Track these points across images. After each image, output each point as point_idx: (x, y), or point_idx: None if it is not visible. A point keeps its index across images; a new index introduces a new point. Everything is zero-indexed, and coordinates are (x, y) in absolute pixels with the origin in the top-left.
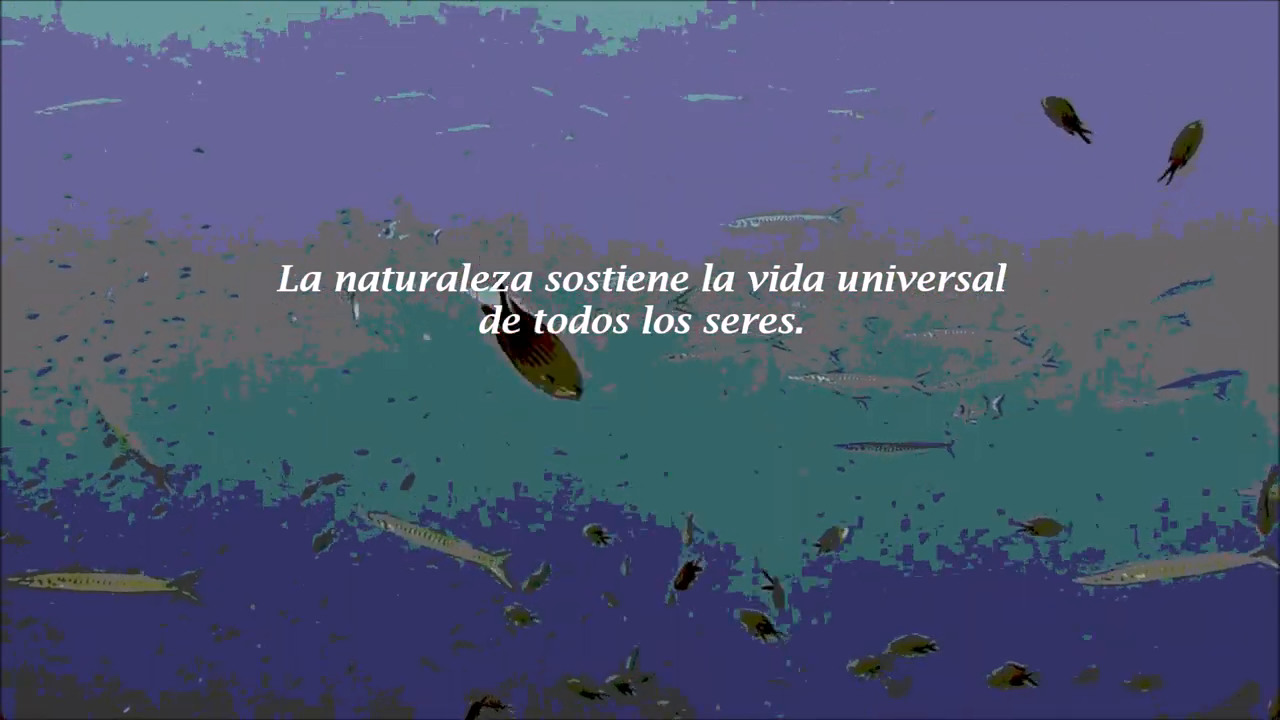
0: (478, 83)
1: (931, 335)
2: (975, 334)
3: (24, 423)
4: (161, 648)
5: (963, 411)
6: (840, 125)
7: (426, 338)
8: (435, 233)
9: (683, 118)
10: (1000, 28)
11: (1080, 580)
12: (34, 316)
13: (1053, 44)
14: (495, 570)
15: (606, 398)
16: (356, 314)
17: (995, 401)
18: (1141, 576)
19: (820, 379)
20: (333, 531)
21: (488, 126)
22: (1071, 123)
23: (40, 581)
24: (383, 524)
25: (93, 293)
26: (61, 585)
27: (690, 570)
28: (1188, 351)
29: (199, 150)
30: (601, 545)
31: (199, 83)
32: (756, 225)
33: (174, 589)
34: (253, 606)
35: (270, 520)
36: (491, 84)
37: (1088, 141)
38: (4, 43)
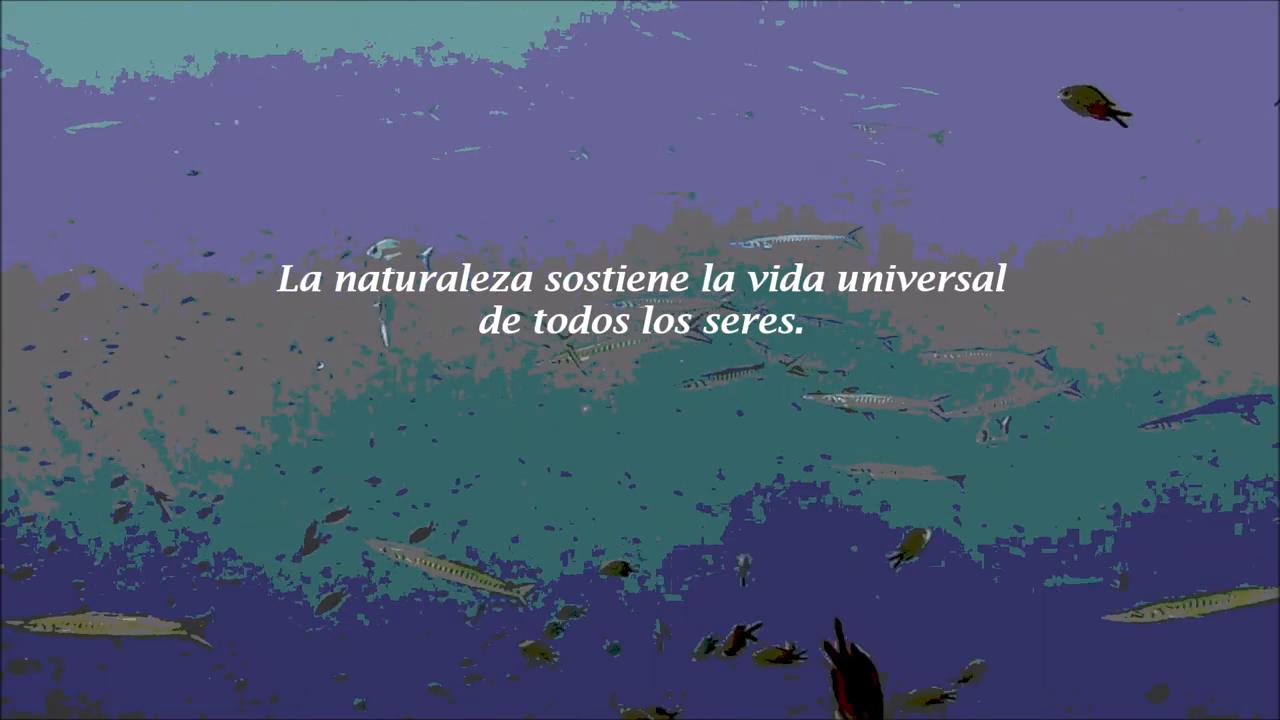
0: (479, 103)
1: (952, 356)
2: (995, 355)
3: (24, 448)
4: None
5: (984, 437)
6: (859, 141)
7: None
8: (426, 253)
9: (690, 128)
10: (1006, 30)
11: (1110, 619)
12: (30, 349)
13: (1057, 47)
14: (523, 602)
15: (616, 421)
16: (385, 337)
17: (1004, 422)
18: (1172, 614)
19: (835, 399)
20: (343, 592)
21: (486, 148)
22: (1104, 109)
23: (42, 626)
24: (399, 556)
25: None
26: (64, 630)
27: (741, 636)
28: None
29: (194, 173)
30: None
31: (217, 123)
32: (769, 247)
33: (183, 633)
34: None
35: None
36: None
37: (1125, 125)
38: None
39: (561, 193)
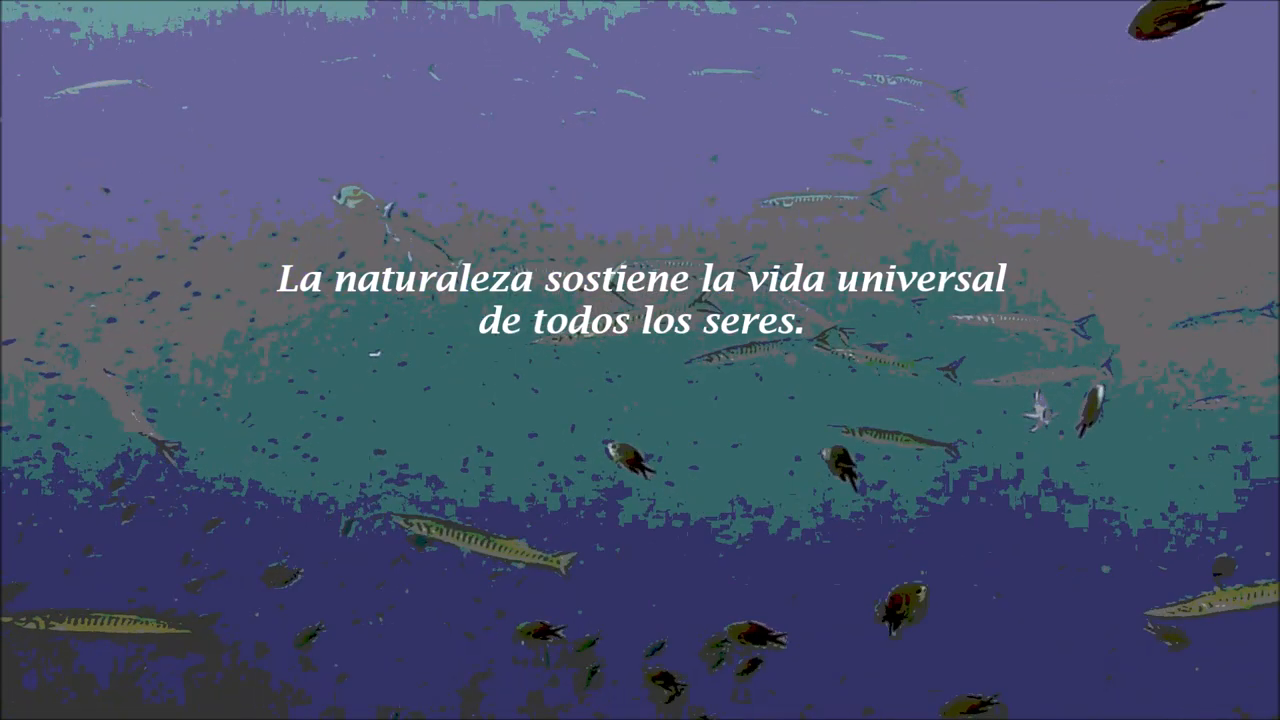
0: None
1: (989, 319)
2: (1031, 321)
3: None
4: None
5: (1041, 416)
6: (890, 106)
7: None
8: (388, 207)
9: (695, 96)
10: (1004, 29)
11: (1154, 614)
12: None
13: (1055, 46)
14: (564, 573)
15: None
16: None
17: (1037, 398)
18: (1222, 607)
19: (847, 352)
20: (320, 624)
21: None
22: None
23: (36, 622)
24: (423, 529)
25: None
26: (59, 627)
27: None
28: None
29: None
30: (643, 474)
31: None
32: (789, 205)
33: (186, 632)
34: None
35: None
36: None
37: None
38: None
39: (567, 159)
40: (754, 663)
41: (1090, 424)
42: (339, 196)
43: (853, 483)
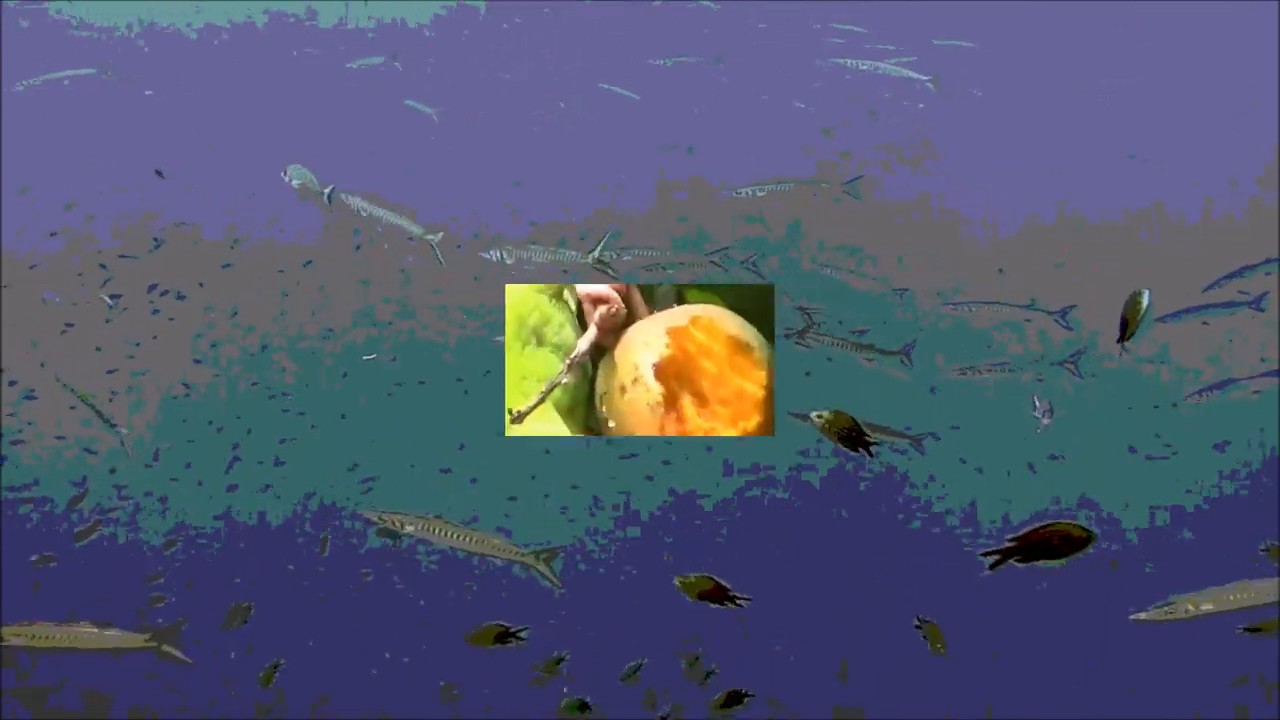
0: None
1: (970, 310)
2: (1012, 310)
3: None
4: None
5: (1047, 414)
6: (876, 101)
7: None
8: (327, 190)
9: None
10: (1006, 27)
11: (1138, 618)
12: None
13: (1057, 45)
14: (544, 569)
15: None
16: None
17: (1036, 399)
18: (1208, 607)
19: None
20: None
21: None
22: None
23: None
24: (399, 525)
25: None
26: (15, 641)
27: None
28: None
29: (159, 173)
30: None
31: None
32: (761, 194)
33: (153, 645)
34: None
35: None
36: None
37: None
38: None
39: (543, 154)
40: (733, 696)
41: (1132, 335)
42: (287, 175)
43: (868, 451)
